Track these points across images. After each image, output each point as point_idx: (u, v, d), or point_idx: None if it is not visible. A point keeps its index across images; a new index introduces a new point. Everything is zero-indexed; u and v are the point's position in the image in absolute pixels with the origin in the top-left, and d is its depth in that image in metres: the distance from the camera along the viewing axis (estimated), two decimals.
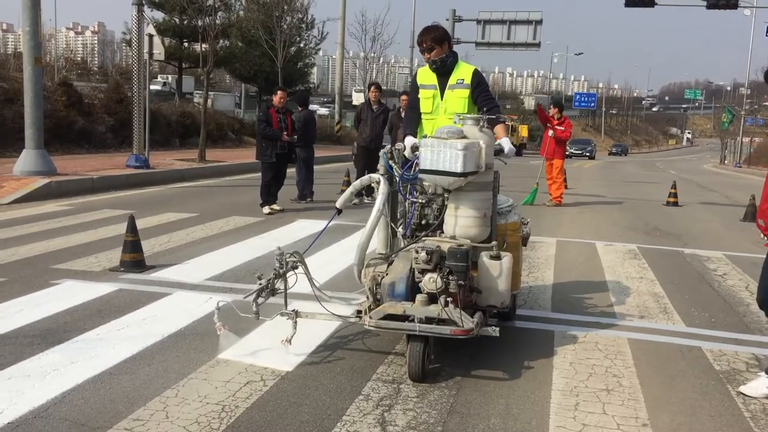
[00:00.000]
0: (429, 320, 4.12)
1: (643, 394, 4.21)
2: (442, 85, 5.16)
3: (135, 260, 6.89)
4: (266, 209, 11.07)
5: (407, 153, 4.92)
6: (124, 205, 11.34)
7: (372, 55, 38.29)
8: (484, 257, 4.47)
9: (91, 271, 6.79)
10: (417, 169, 4.61)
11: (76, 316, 5.33)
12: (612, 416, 3.88)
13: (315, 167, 13.24)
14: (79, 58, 62.92)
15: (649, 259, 8.50)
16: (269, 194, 11.25)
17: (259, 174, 11.48)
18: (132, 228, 6.92)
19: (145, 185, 14.40)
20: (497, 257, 4.46)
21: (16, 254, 7.40)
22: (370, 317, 4.27)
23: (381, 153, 4.82)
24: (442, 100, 5.16)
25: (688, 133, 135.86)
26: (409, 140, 5.06)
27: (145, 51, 16.21)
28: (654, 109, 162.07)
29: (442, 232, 4.66)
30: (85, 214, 10.31)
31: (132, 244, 6.91)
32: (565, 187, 14.91)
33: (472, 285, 4.45)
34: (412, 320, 4.12)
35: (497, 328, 4.28)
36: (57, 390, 3.96)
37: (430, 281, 4.19)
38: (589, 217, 12.50)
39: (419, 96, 5.27)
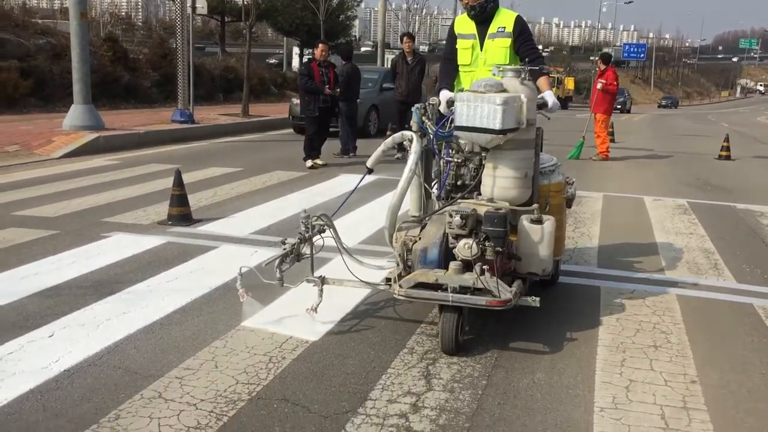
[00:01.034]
0: (463, 290, 3.84)
1: (691, 351, 4.15)
2: (482, 34, 4.77)
3: (182, 214, 7.00)
4: (309, 163, 11.11)
5: (442, 108, 4.60)
6: (170, 159, 11.48)
7: (415, 6, 37.68)
8: (525, 221, 4.16)
9: (139, 224, 6.93)
10: (452, 125, 4.30)
11: (127, 269, 5.45)
12: (659, 372, 3.83)
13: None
14: (123, 13, 63.32)
15: (699, 215, 8.30)
16: (312, 148, 11.27)
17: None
18: (179, 182, 7.01)
19: (190, 140, 14.54)
20: (539, 221, 4.13)
21: (67, 208, 7.59)
22: (400, 286, 3.99)
23: (414, 108, 4.49)
24: (481, 50, 4.79)
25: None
26: (445, 94, 4.71)
27: (188, 5, 16.20)
28: (706, 59, 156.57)
29: (479, 194, 4.35)
30: (133, 169, 10.48)
31: (179, 198, 7.02)
32: (612, 141, 14.60)
33: (511, 251, 4.11)
34: (445, 289, 3.85)
35: (537, 299, 3.97)
36: (110, 339, 4.08)
37: (465, 248, 3.90)
38: (637, 172, 12.22)
39: (457, 46, 4.89)
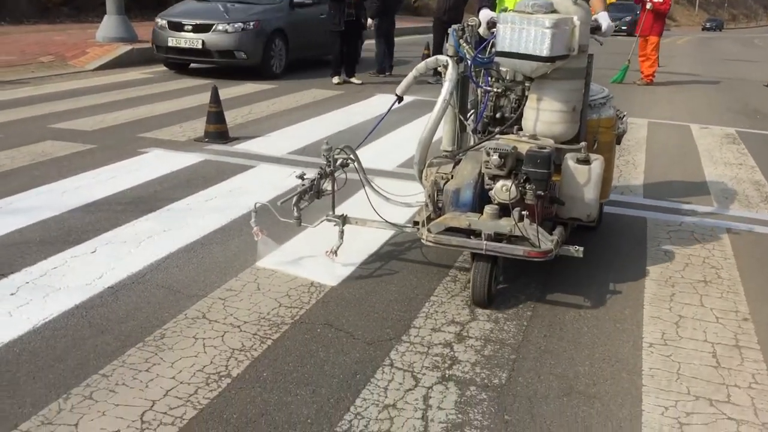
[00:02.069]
0: (499, 237, 3.53)
1: (743, 287, 4.03)
2: None
3: (219, 131, 6.91)
4: (336, 80, 10.92)
5: (482, 30, 4.06)
6: (206, 73, 11.31)
7: None
8: (570, 161, 3.72)
9: (176, 140, 6.87)
10: (493, 50, 3.84)
11: (166, 186, 5.42)
12: (710, 309, 3.74)
13: (395, 39, 12.78)
14: None
15: (749, 144, 8.00)
16: (339, 64, 11.03)
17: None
18: (215, 98, 6.90)
19: None
20: (585, 161, 3.70)
21: (104, 122, 7.54)
22: (429, 230, 3.63)
23: (450, 30, 4.05)
24: None
25: None
26: (485, 14, 4.13)
27: None
28: None
29: (520, 129, 3.92)
30: (168, 83, 10.37)
31: (215, 114, 6.92)
32: (658, 65, 14.05)
33: (554, 195, 3.72)
34: (479, 236, 3.52)
35: (581, 249, 3.62)
36: (152, 257, 4.07)
37: (503, 190, 3.54)
38: (683, 98, 11.79)
39: None
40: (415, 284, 3.88)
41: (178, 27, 10.89)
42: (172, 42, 10.87)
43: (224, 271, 3.94)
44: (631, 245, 4.60)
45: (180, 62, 11.45)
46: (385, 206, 4.28)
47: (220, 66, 11.21)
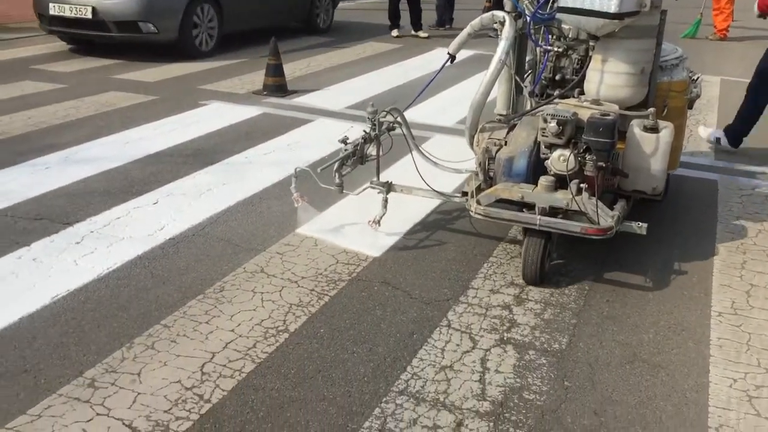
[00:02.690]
0: (554, 211, 3.29)
1: None
2: None
3: (277, 84, 6.89)
4: (394, 33, 10.77)
5: None
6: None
7: None
8: (636, 128, 3.42)
9: (235, 93, 6.88)
10: (555, 6, 3.55)
11: (225, 138, 5.44)
12: None
13: None
14: None
15: None
16: (396, 17, 10.85)
17: None
18: (274, 51, 6.86)
19: None
20: (653, 129, 3.39)
21: (165, 73, 7.59)
22: (478, 202, 3.39)
23: None
24: None
25: None
26: None
27: None
28: None
29: (582, 93, 3.63)
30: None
31: (274, 67, 6.88)
32: (732, 20, 13.37)
33: (616, 166, 3.46)
34: (533, 210, 3.29)
35: (644, 225, 3.33)
36: (212, 210, 4.10)
37: (560, 160, 3.26)
38: (758, 54, 11.17)
39: None
40: (473, 244, 3.81)
41: None
42: (54, 10, 8.03)
43: (282, 225, 3.94)
44: (701, 209, 4.42)
45: (73, 36, 8.57)
46: (433, 172, 4.06)
47: (123, 42, 8.28)
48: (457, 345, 2.90)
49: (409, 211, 4.15)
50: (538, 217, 3.24)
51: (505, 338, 2.96)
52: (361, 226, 3.91)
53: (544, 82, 3.88)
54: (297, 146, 5.32)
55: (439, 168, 4.09)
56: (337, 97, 6.84)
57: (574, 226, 3.21)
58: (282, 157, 5.05)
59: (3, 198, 4.13)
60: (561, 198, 3.24)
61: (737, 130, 5.67)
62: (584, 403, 2.57)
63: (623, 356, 2.87)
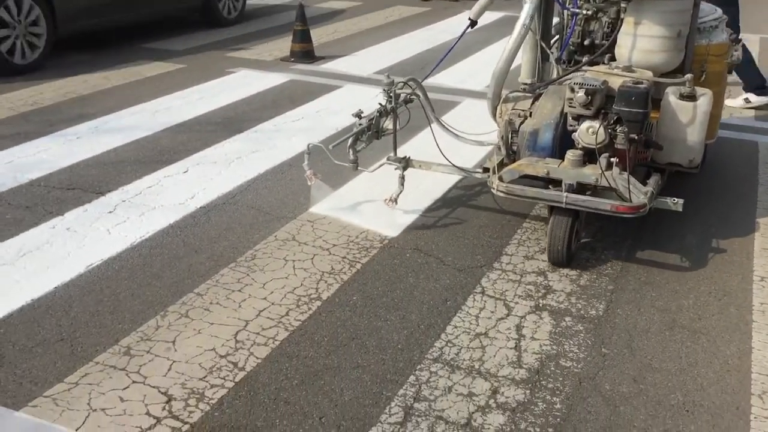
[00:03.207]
0: (582, 188, 3.10)
1: None
2: None
3: (305, 50, 6.82)
4: None
5: None
6: None
7: None
8: (672, 96, 3.20)
9: (263, 60, 6.82)
10: None
11: (253, 106, 5.41)
12: None
13: None
14: None
15: None
16: None
17: None
18: (301, 17, 6.78)
19: None
20: (691, 97, 3.16)
21: (191, 41, 7.55)
22: (500, 178, 3.20)
23: None
24: None
25: None
26: None
27: None
28: None
29: (613, 59, 3.42)
30: (252, 1, 10.27)
31: (301, 33, 6.81)
32: None
33: (650, 138, 3.23)
34: (559, 186, 3.11)
35: (680, 201, 3.11)
36: (241, 178, 4.09)
37: (589, 132, 3.03)
38: None
39: None
40: (504, 213, 3.74)
41: None
42: None
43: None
44: (742, 171, 4.29)
45: None
46: (455, 145, 3.88)
47: None
48: (492, 312, 2.86)
49: (429, 186, 4.00)
50: (565, 194, 3.03)
51: (540, 305, 2.92)
52: (377, 204, 3.74)
53: (571, 47, 3.64)
54: (325, 113, 5.26)
55: (460, 141, 3.88)
56: (364, 63, 6.75)
57: (604, 204, 3.00)
58: (310, 124, 5.00)
59: (36, 168, 4.15)
60: (590, 173, 3.04)
61: (754, 80, 5.50)
62: (623, 370, 2.53)
63: (662, 322, 2.81)
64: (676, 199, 3.11)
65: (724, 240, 3.47)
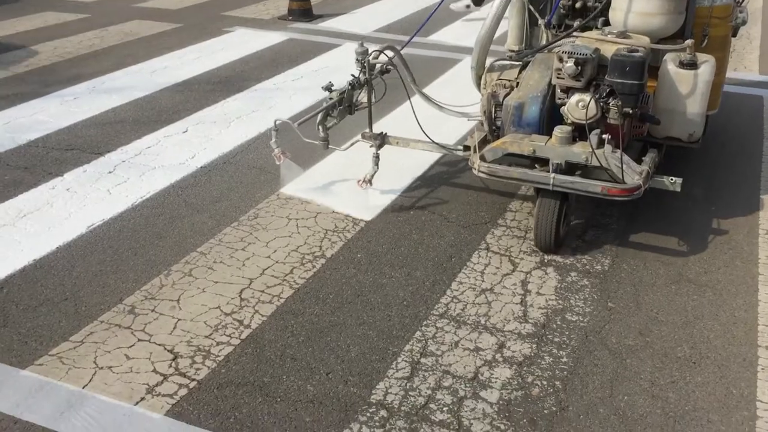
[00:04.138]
0: (571, 167, 2.83)
1: None
2: None
3: (303, 9, 6.71)
4: None
5: None
6: None
7: None
8: (671, 64, 2.91)
9: (260, 19, 6.71)
10: None
11: (251, 65, 5.33)
12: None
13: None
14: None
15: None
16: None
17: None
18: None
19: None
20: (691, 64, 2.87)
21: (187, 0, 7.43)
22: (482, 158, 2.90)
23: None
24: None
25: None
26: None
27: None
28: None
29: (607, 23, 3.13)
30: None
31: None
32: None
33: (646, 111, 2.90)
34: (546, 165, 2.83)
35: (678, 181, 2.83)
36: (242, 137, 4.04)
37: (578, 106, 2.74)
38: None
39: None
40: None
41: None
42: None
43: (315, 154, 3.86)
44: (746, 125, 4.25)
45: None
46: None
47: None
48: (497, 268, 2.85)
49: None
50: (552, 175, 2.75)
51: (545, 260, 2.90)
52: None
53: (562, 10, 3.27)
54: (325, 71, 5.19)
55: (444, 113, 3.56)
56: (364, 21, 6.65)
57: (595, 186, 2.70)
58: (310, 82, 4.93)
59: (34, 129, 4.10)
60: (579, 152, 2.74)
61: None
62: (629, 324, 2.52)
63: (668, 276, 2.80)
64: (673, 179, 2.84)
65: (730, 194, 3.44)
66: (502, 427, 2.06)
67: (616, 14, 3.07)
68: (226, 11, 6.97)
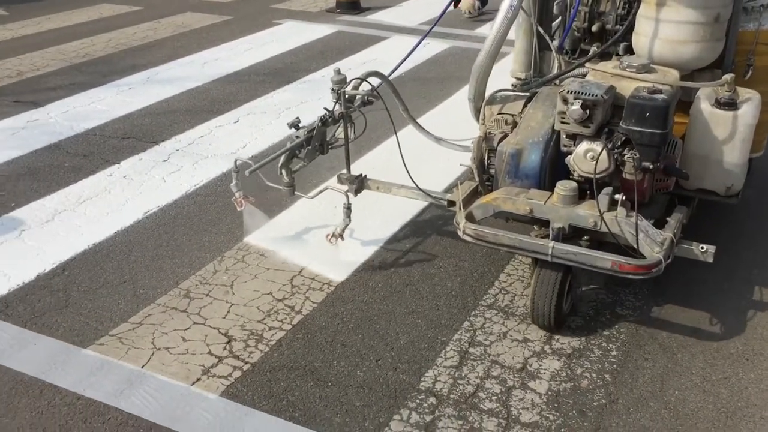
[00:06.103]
0: (577, 233, 2.33)
1: None
2: None
3: (351, 1, 6.76)
4: None
5: None
6: None
7: None
8: (705, 103, 2.35)
9: (309, 11, 6.78)
10: None
11: (301, 57, 5.39)
12: None
13: None
14: None
15: None
16: None
17: None
18: None
19: None
20: (730, 104, 2.31)
21: None
22: (470, 217, 2.39)
23: None
24: None
25: None
26: None
27: None
28: None
29: (630, 51, 2.57)
30: None
31: None
32: None
33: (671, 162, 2.34)
34: (546, 229, 2.36)
35: (711, 250, 2.26)
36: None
37: (587, 157, 2.24)
38: None
39: None
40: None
41: None
42: None
43: (361, 148, 3.90)
44: None
45: None
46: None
47: None
48: None
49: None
50: (551, 243, 2.23)
51: None
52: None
53: (576, 33, 2.75)
54: (373, 64, 5.22)
55: (442, 145, 3.08)
56: (411, 14, 6.66)
57: (603, 261, 2.16)
58: (358, 73, 4.95)
59: (91, 117, 4.23)
60: (586, 214, 2.22)
61: None
62: (680, 319, 2.50)
63: (720, 274, 2.75)
64: (704, 247, 2.28)
65: None
66: (551, 417, 2.08)
67: (639, 40, 2.53)
68: (275, 4, 7.06)
